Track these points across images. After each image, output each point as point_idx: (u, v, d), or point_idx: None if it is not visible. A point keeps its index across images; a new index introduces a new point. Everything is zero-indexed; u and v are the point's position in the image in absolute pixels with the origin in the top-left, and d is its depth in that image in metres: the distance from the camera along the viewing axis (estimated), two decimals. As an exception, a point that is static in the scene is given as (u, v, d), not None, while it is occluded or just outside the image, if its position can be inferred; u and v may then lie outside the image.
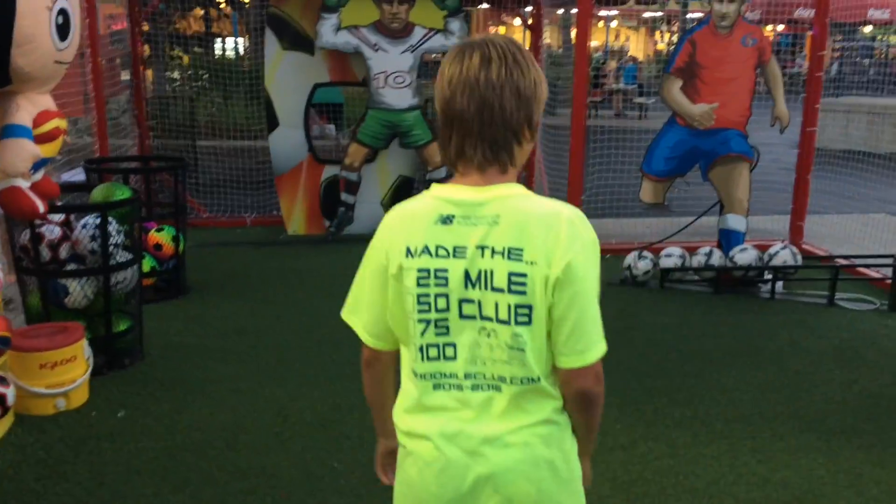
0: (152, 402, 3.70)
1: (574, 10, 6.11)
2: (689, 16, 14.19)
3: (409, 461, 1.48)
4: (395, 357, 1.56)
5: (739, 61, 5.70)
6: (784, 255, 5.52)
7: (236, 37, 12.56)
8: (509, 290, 1.35)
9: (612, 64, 18.36)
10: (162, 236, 5.26)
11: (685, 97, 5.73)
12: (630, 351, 4.38)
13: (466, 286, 1.37)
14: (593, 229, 1.41)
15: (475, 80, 1.35)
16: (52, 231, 3.98)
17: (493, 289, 1.36)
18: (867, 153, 7.70)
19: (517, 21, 9.04)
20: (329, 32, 6.51)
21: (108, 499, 2.90)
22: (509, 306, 1.36)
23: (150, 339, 4.36)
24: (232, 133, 8.64)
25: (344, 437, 3.33)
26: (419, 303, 1.40)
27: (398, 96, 6.52)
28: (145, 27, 7.92)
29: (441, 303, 1.39)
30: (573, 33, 6.20)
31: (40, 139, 3.42)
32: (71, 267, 4.00)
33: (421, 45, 6.58)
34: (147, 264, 5.00)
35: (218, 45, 12.32)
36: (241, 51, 12.16)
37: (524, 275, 1.34)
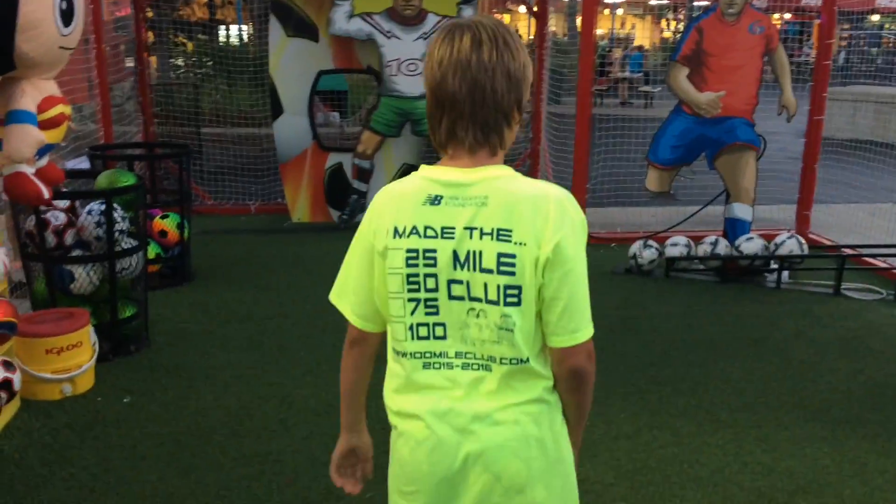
0: (158, 388, 3.71)
1: (580, -2, 6.07)
2: (695, 3, 14.10)
3: (400, 441, 1.48)
4: (381, 340, 1.55)
5: (746, 49, 5.67)
6: (790, 244, 5.50)
7: (240, 23, 12.52)
8: (499, 272, 1.35)
9: (618, 52, 18.26)
10: (167, 223, 5.26)
11: (691, 85, 5.70)
12: (635, 340, 4.37)
13: (455, 267, 1.38)
14: (581, 210, 1.41)
15: (467, 62, 1.35)
16: (57, 217, 3.98)
17: (483, 270, 1.36)
18: (874, 142, 7.66)
19: (522, 8, 8.99)
20: (342, 19, 6.48)
21: (114, 484, 2.91)
22: (499, 287, 1.36)
23: (155, 326, 4.36)
24: (236, 120, 8.63)
25: (348, 424, 3.33)
26: (408, 283, 1.41)
27: (411, 84, 6.50)
28: (149, 13, 7.90)
29: (430, 283, 1.39)
30: (579, 21, 6.17)
31: (45, 125, 3.42)
32: (76, 253, 4.00)
33: (434, 32, 6.55)
34: (152, 251, 5.01)
35: (222, 31, 12.29)
36: (246, 38, 12.12)
37: (513, 255, 1.35)
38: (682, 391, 3.74)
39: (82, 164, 5.54)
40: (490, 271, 1.36)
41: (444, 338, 1.41)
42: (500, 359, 1.39)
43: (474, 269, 1.37)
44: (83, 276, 3.96)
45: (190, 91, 8.91)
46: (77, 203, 4.11)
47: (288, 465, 3.04)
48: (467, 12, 6.57)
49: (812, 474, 3.04)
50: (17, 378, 3.36)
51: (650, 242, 5.69)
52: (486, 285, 1.37)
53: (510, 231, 1.35)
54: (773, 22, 6.29)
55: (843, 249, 5.84)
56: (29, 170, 3.42)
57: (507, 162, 1.44)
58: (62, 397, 3.57)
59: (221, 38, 12.15)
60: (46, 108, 3.43)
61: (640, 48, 19.85)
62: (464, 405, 1.41)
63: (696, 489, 2.92)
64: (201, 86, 9.68)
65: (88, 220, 4.03)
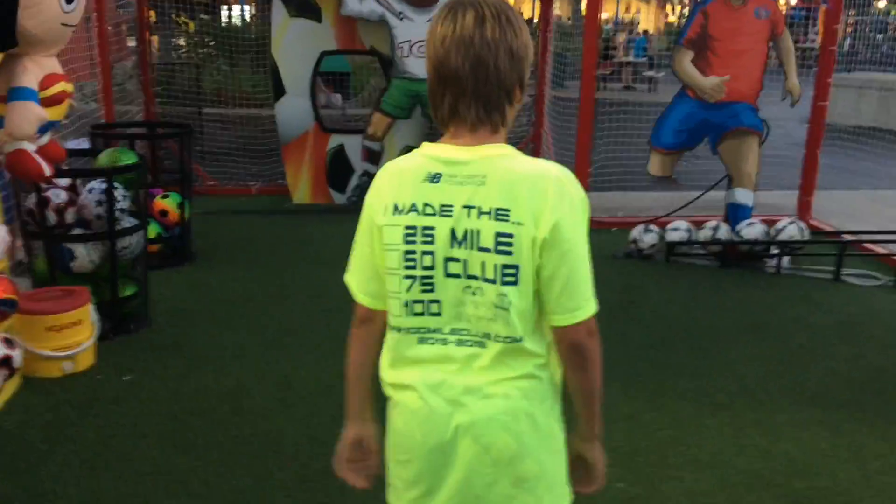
0: (158, 366, 3.72)
1: (585, -20, 6.03)
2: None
3: (395, 412, 1.51)
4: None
5: (752, 34, 5.63)
6: (791, 230, 5.50)
7: (243, 3, 12.45)
8: (496, 251, 1.36)
9: (622, 36, 18.16)
10: (168, 203, 5.26)
11: (696, 69, 5.67)
12: (634, 324, 4.38)
13: (452, 245, 1.38)
14: (581, 188, 1.41)
15: (470, 39, 1.35)
16: (58, 195, 3.98)
17: (480, 248, 1.37)
18: (878, 129, 7.64)
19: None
20: (354, 0, 6.44)
21: (115, 461, 2.93)
22: (496, 266, 1.36)
23: (155, 305, 4.37)
24: (238, 101, 8.60)
25: (348, 404, 3.34)
26: (406, 259, 1.41)
27: (422, 66, 6.42)
28: (151, -8, 7.85)
29: (427, 260, 1.40)
30: (583, 4, 6.12)
31: (46, 102, 3.41)
32: (77, 231, 4.00)
33: None
34: (153, 230, 5.01)
35: (224, 11, 12.21)
36: (248, 17, 12.06)
37: (511, 235, 1.35)
38: (682, 375, 3.75)
39: (82, 144, 5.53)
40: (487, 250, 1.36)
41: (439, 314, 1.42)
42: (495, 336, 1.40)
43: (472, 248, 1.37)
44: (84, 255, 3.96)
45: (192, 71, 8.87)
46: (78, 181, 4.11)
47: (288, 445, 3.06)
48: None
49: (809, 458, 3.05)
50: (17, 355, 3.38)
51: (651, 227, 5.68)
52: (483, 264, 1.37)
53: (508, 210, 1.35)
54: (779, 7, 6.24)
55: (843, 235, 5.84)
56: (31, 147, 3.42)
57: (509, 145, 1.44)
58: (63, 375, 3.58)
59: (224, 18, 12.08)
60: (48, 86, 3.42)
61: (644, 32, 19.74)
62: (456, 378, 1.42)
63: (694, 471, 2.94)
64: (203, 66, 9.63)
65: (89, 198, 4.02)
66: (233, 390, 3.50)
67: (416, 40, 6.41)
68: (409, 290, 1.42)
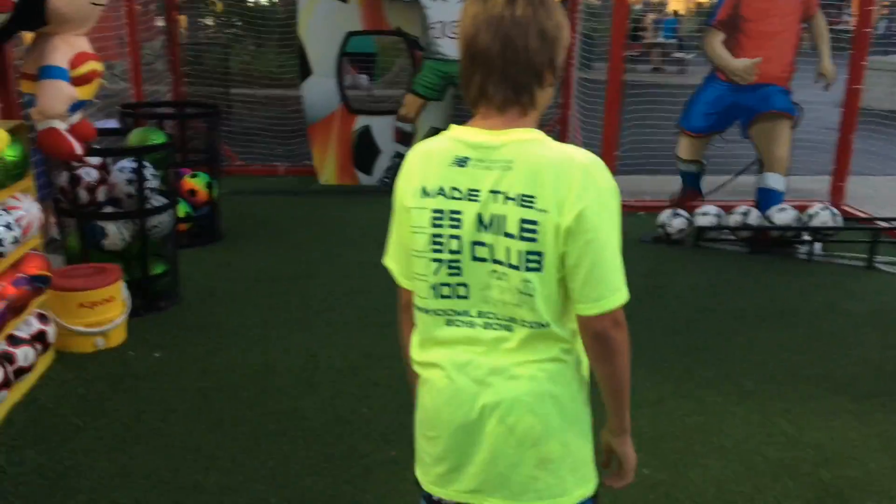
0: (187, 343, 3.77)
1: (616, -40, 5.94)
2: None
3: (424, 389, 1.52)
4: None
5: (785, 15, 5.53)
6: (823, 216, 5.41)
7: (270, -17, 12.42)
8: (520, 237, 1.35)
9: (651, 17, 17.91)
10: (196, 182, 5.30)
11: (727, 51, 5.58)
12: (661, 309, 4.35)
13: (479, 229, 1.38)
14: (611, 176, 1.38)
15: (500, 18, 1.33)
16: (89, 174, 4.02)
17: (505, 234, 1.36)
18: (914, 114, 7.47)
19: (556, -30, 8.81)
20: None
21: (146, 435, 2.98)
22: (520, 252, 1.35)
23: (184, 284, 4.42)
24: (265, 81, 8.61)
25: (373, 384, 3.37)
26: (433, 243, 1.41)
27: (455, 47, 6.39)
28: (180, -28, 7.87)
29: (454, 244, 1.40)
30: (613, -17, 6.03)
31: (77, 81, 3.44)
32: (108, 210, 4.05)
33: None
34: (182, 210, 5.05)
35: (252, -9, 12.20)
36: (276, -3, 12.05)
37: (535, 222, 1.34)
38: (709, 361, 3.73)
39: (111, 124, 5.58)
40: (512, 236, 1.35)
41: (466, 297, 1.42)
42: (521, 321, 1.40)
43: (498, 233, 1.37)
44: (115, 233, 4.01)
45: (219, 51, 8.90)
46: (109, 160, 4.15)
47: (313, 423, 3.09)
48: None
49: (838, 447, 3.02)
50: (51, 330, 3.44)
51: (679, 211, 5.62)
52: (508, 250, 1.36)
53: (533, 197, 1.34)
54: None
55: (877, 222, 5.74)
56: (62, 126, 3.46)
57: (539, 129, 1.41)
58: (95, 350, 3.64)
59: (251, -2, 12.08)
60: (78, 65, 3.46)
61: (674, 13, 19.45)
62: (483, 359, 1.43)
63: (720, 459, 2.92)
64: (230, 46, 9.66)
65: (120, 177, 4.07)
66: (259, 368, 3.54)
67: (449, 21, 6.37)
68: (435, 273, 1.42)
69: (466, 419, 1.44)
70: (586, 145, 6.67)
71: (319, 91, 6.77)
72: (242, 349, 3.73)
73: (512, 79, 1.35)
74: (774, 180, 5.63)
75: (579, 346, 1.46)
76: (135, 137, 4.37)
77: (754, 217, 5.47)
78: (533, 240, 1.34)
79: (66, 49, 3.44)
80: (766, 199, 5.62)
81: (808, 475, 2.84)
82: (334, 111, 6.82)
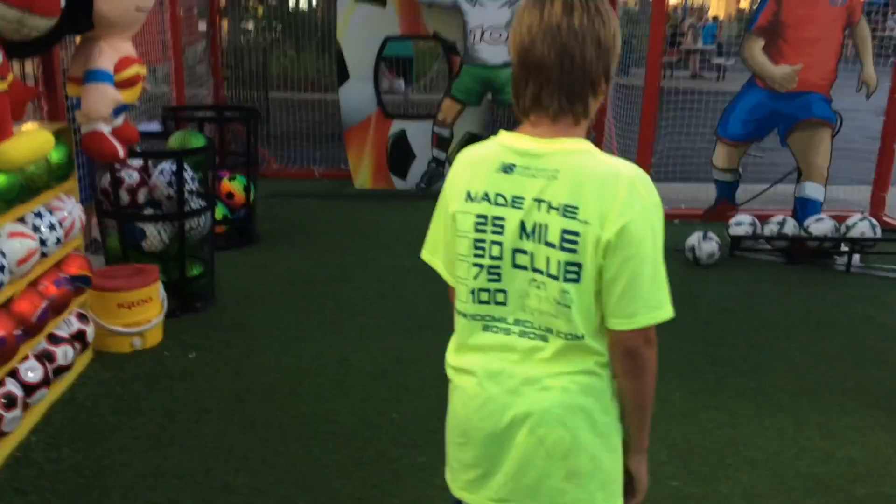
0: (222, 345, 3.83)
1: (654, -34, 5.90)
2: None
3: (455, 395, 1.53)
4: None
5: (827, 21, 5.44)
6: (862, 226, 5.30)
7: (310, -12, 12.55)
8: (561, 248, 1.35)
9: (691, 22, 17.70)
10: (234, 185, 5.38)
11: (767, 58, 5.51)
12: (694, 318, 4.31)
13: (521, 237, 1.39)
14: (656, 191, 1.38)
15: (557, 28, 1.33)
16: (130, 176, 4.11)
17: (547, 243, 1.37)
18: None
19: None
20: None
21: (180, 434, 3.04)
22: (559, 262, 1.36)
23: (221, 285, 4.50)
24: (303, 85, 8.71)
25: (403, 389, 3.39)
26: (475, 247, 1.43)
27: (494, 52, 6.41)
28: (222, -23, 8.00)
29: (495, 250, 1.41)
30: (651, -10, 6.00)
31: (121, 85, 3.52)
32: (148, 211, 4.14)
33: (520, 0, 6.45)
34: (219, 212, 5.14)
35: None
36: (315, 2, 12.18)
37: (577, 233, 1.34)
38: (742, 372, 3.68)
39: (153, 126, 5.70)
40: (553, 246, 1.36)
41: (504, 304, 1.43)
42: (557, 332, 1.40)
43: (539, 242, 1.37)
44: (154, 234, 4.10)
45: (259, 55, 9.03)
46: (150, 162, 4.24)
47: (343, 427, 3.12)
48: None
49: (873, 462, 2.97)
50: (90, 330, 3.53)
51: (710, 234, 5.20)
52: (548, 259, 1.37)
53: (576, 208, 1.34)
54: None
55: (919, 234, 5.61)
56: (106, 128, 3.54)
57: (587, 140, 1.42)
58: (132, 350, 3.72)
59: (291, 3, 12.24)
60: (123, 68, 3.53)
61: (714, 18, 19.21)
62: (517, 368, 1.43)
63: (751, 472, 2.89)
64: (270, 50, 9.79)
65: (160, 179, 4.15)
66: (292, 371, 3.59)
67: (487, 26, 6.38)
68: (476, 277, 1.44)
69: (496, 428, 1.45)
70: (622, 151, 6.65)
71: (356, 95, 6.84)
72: (276, 351, 3.78)
73: (567, 88, 1.36)
74: (813, 189, 5.54)
75: None
76: (175, 140, 4.45)
77: (790, 227, 5.38)
78: (573, 251, 1.34)
79: (111, 53, 3.52)
80: (804, 208, 5.53)
81: (842, 491, 2.79)
82: (370, 115, 6.88)
